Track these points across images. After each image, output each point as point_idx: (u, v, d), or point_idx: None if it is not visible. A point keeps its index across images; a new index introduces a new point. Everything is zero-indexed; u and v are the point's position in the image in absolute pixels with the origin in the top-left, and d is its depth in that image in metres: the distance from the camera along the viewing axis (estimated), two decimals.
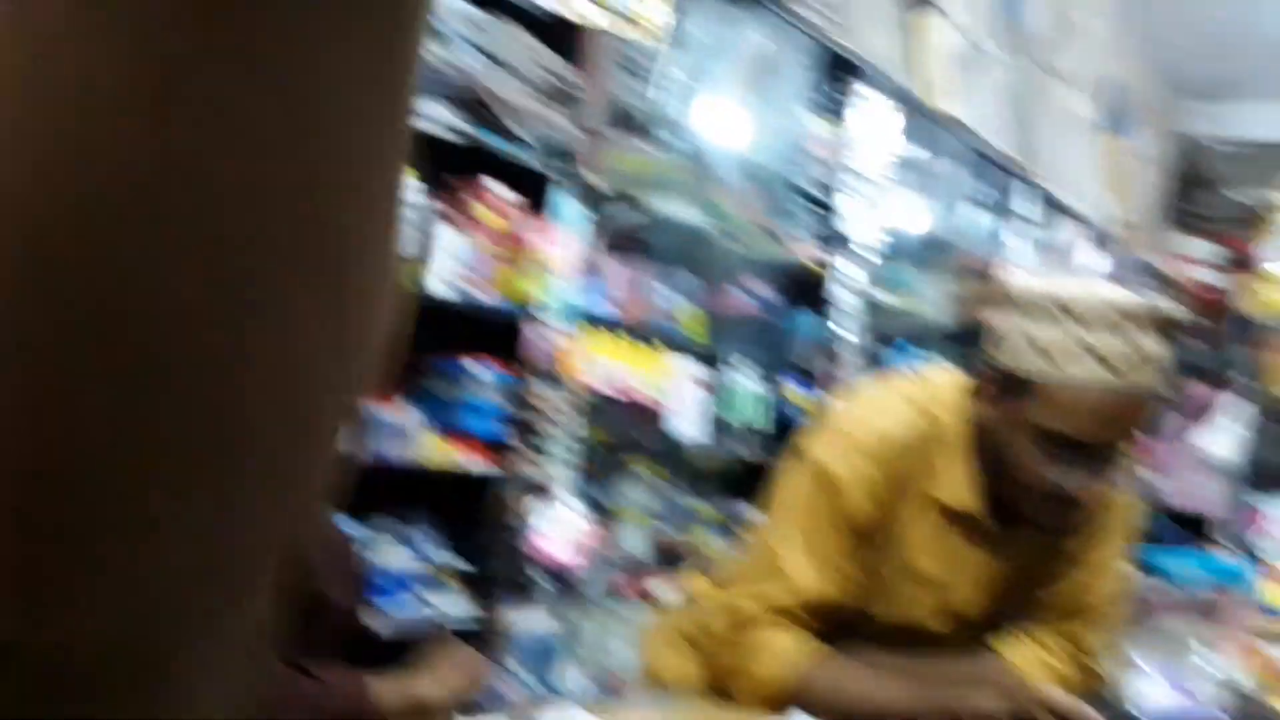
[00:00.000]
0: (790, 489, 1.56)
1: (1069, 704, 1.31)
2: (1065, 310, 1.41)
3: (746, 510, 3.90)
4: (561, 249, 3.18)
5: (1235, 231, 6.26)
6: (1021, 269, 4.98)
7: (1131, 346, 1.38)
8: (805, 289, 4.20)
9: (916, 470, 1.54)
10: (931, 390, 1.60)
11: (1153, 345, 1.40)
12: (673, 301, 3.75)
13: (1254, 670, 1.90)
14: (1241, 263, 5.79)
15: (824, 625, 1.53)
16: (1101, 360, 1.38)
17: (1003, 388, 1.47)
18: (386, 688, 1.14)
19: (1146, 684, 1.35)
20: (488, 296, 3.00)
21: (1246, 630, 1.84)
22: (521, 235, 3.10)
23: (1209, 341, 5.25)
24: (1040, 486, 1.43)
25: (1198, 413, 2.81)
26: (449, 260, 2.91)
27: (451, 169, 3.05)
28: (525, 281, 3.07)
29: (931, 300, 5.16)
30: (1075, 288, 1.45)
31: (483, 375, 3.01)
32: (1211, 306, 5.57)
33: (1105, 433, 1.41)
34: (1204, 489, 2.72)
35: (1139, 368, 1.39)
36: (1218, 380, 2.87)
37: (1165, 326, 1.42)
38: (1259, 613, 1.92)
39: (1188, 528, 2.53)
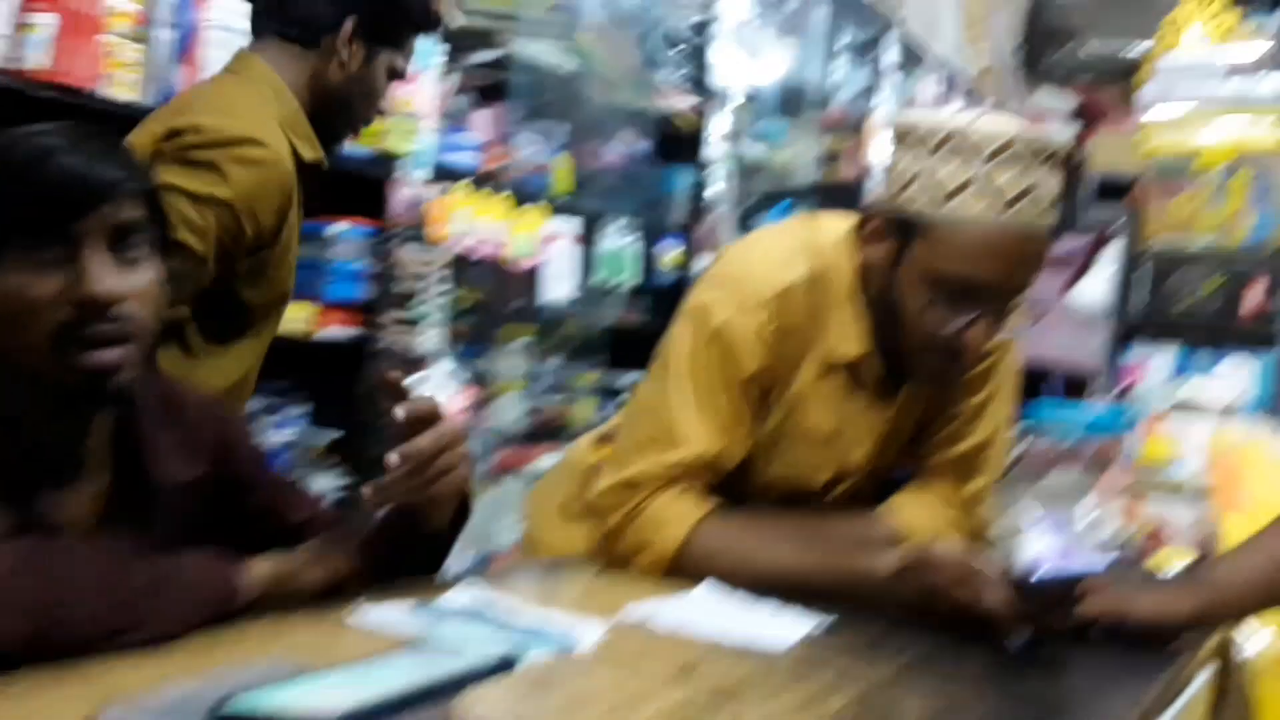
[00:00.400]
0: (679, 345, 1.48)
1: (962, 559, 1.30)
2: (958, 143, 1.34)
3: (625, 377, 3.84)
4: (419, 95, 2.97)
5: (1092, 83, 6.36)
6: (898, 114, 4.95)
7: (1025, 180, 1.32)
8: (678, 142, 4.07)
9: (807, 320, 1.48)
10: (820, 236, 1.52)
11: (1046, 179, 1.34)
12: (541, 154, 3.58)
13: (1134, 524, 1.97)
14: (1097, 115, 5.90)
15: (716, 482, 1.49)
16: (995, 195, 1.32)
17: (893, 229, 1.40)
18: (261, 568, 1.07)
19: (1033, 538, 1.35)
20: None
21: (1128, 484, 1.89)
22: None
23: (1066, 195, 5.34)
24: (931, 332, 1.38)
25: (1072, 267, 2.85)
26: None
27: None
28: (385, 131, 2.86)
29: (800, 154, 5.11)
30: (966, 120, 1.37)
31: (347, 236, 2.83)
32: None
33: (998, 274, 1.35)
34: (1083, 345, 2.78)
35: (1033, 202, 1.33)
36: (1091, 233, 2.91)
37: (1058, 159, 1.36)
38: (1139, 467, 1.98)
39: (1070, 385, 2.58)
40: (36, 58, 2.15)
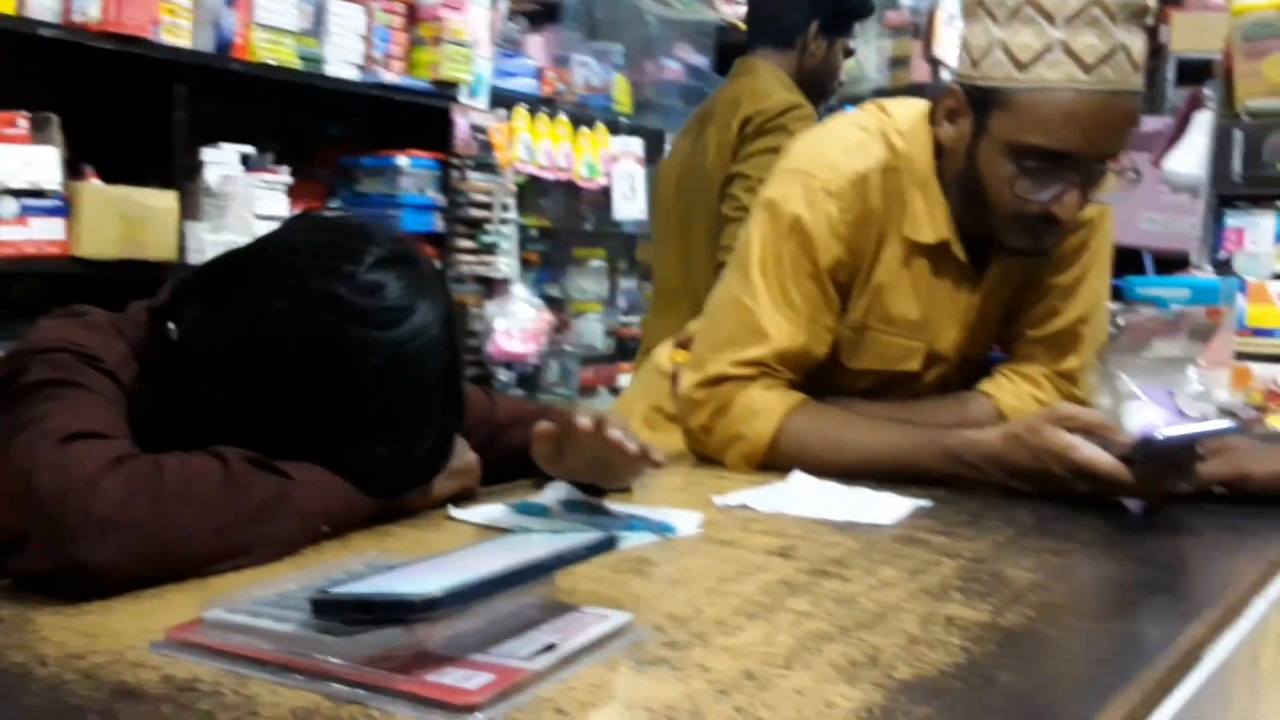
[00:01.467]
0: (755, 241, 1.44)
1: (1082, 415, 1.25)
2: (1033, 10, 1.28)
3: None
4: (471, 22, 2.94)
5: None
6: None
7: (1106, 41, 1.26)
8: (738, 53, 3.97)
9: (884, 207, 1.43)
10: (891, 120, 1.47)
11: (1128, 38, 1.28)
12: (598, 75, 3.53)
13: (1245, 390, 1.89)
14: None
15: (802, 378, 1.46)
16: (1075, 58, 1.27)
17: (972, 103, 1.35)
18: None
19: (1142, 410, 1.29)
20: (397, 76, 2.78)
21: (1235, 351, 1.81)
22: (428, 7, 2.85)
23: (1149, 77, 5.14)
24: (1019, 207, 1.33)
25: (1163, 139, 2.73)
26: (350, 38, 2.66)
27: None
28: (440, 60, 2.84)
29: (865, 59, 4.98)
30: None
31: (413, 168, 2.82)
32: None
33: (1085, 140, 1.29)
34: (1181, 218, 2.67)
35: (1115, 64, 1.27)
36: (1185, 103, 2.77)
37: (1139, 19, 1.29)
38: (1246, 334, 1.89)
39: (1167, 263, 2.47)
40: (89, 9, 2.16)
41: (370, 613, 0.68)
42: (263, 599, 0.76)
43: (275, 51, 2.50)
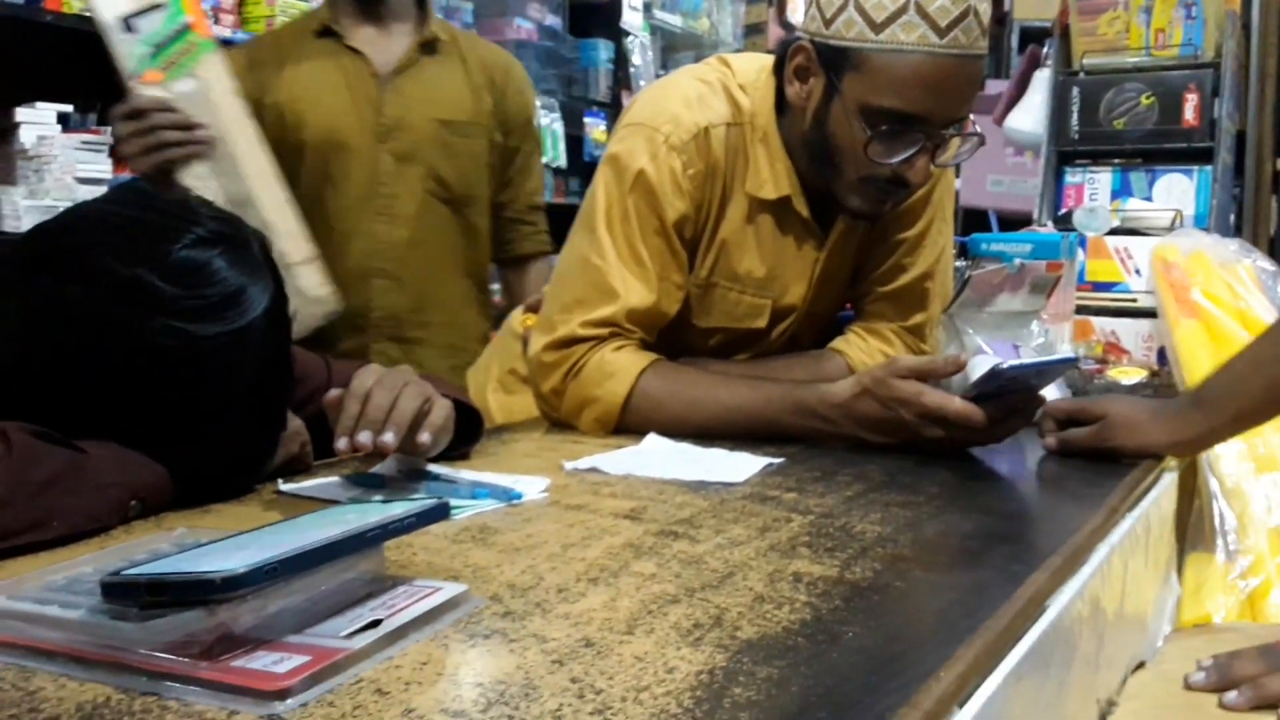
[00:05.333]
0: (600, 198, 1.41)
1: (929, 362, 1.26)
2: None
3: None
4: None
5: None
6: None
7: (959, 4, 1.26)
8: (592, 14, 3.92)
9: (728, 161, 1.41)
10: (733, 75, 1.45)
11: (978, 3, 1.27)
12: None
13: (1086, 342, 1.94)
14: None
15: (654, 337, 1.43)
16: (929, 20, 1.26)
17: (823, 62, 1.33)
18: None
19: (989, 363, 1.30)
20: (229, 30, 2.63)
21: (1077, 305, 1.85)
22: None
23: (993, 45, 5.27)
24: (869, 170, 1.32)
25: (1005, 97, 2.79)
26: None
27: None
28: (275, 13, 2.69)
29: (720, 23, 4.97)
30: None
31: None
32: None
33: (937, 104, 1.29)
34: (1026, 180, 2.73)
35: (966, 27, 1.27)
36: (1025, 62, 2.83)
37: None
38: (1085, 287, 1.94)
39: (1014, 221, 2.52)
40: None
41: (166, 594, 0.62)
42: (52, 584, 0.69)
43: None
